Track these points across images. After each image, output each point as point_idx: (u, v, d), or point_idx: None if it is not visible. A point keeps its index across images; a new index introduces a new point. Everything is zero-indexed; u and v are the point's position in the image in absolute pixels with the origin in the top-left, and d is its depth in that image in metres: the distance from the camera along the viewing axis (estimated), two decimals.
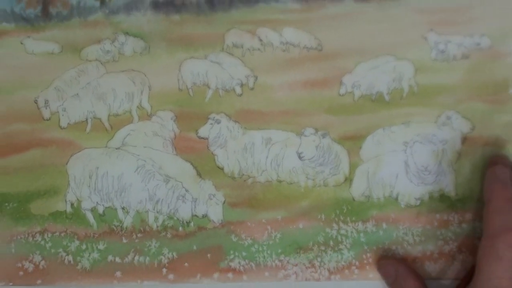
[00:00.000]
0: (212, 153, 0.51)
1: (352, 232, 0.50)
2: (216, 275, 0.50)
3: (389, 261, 0.48)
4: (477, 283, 0.41)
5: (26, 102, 0.51)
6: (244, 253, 0.50)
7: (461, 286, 0.46)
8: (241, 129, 0.51)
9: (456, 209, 0.49)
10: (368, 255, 0.49)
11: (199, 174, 0.51)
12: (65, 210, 0.51)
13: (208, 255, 0.50)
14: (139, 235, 0.51)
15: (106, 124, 0.52)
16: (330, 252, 0.50)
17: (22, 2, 0.52)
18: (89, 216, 0.51)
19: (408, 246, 0.49)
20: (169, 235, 0.50)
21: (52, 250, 0.51)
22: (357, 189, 0.50)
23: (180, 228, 0.50)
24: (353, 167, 0.50)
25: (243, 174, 0.51)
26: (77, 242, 0.51)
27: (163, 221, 0.51)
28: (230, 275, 0.50)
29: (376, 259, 0.49)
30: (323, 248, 0.50)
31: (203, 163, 0.51)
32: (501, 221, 0.42)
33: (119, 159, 0.50)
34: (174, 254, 0.50)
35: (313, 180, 0.51)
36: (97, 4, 0.51)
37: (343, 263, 0.50)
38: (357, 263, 0.49)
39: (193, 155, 0.51)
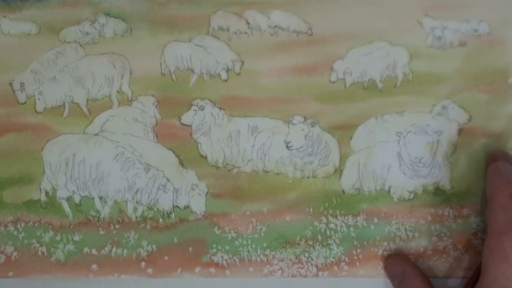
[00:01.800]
0: (195, 141, 0.51)
1: (341, 226, 0.49)
2: (197, 269, 0.49)
3: (396, 261, 0.48)
4: (484, 283, 0.41)
5: (1, 85, 0.51)
6: (227, 247, 0.50)
7: (469, 285, 0.45)
8: (226, 116, 0.51)
9: (451, 204, 0.49)
10: (358, 251, 0.49)
11: (181, 163, 0.50)
12: (40, 199, 0.50)
13: (190, 248, 0.50)
14: (117, 226, 0.50)
15: (84, 109, 0.51)
16: (318, 247, 0.49)
17: None
18: (65, 205, 0.50)
19: (401, 242, 0.49)
20: (148, 227, 0.50)
21: (25, 241, 0.50)
22: (347, 181, 0.50)
23: (161, 220, 0.50)
24: (343, 157, 0.50)
25: (227, 164, 0.50)
26: (51, 233, 0.50)
27: (143, 212, 0.50)
28: (212, 270, 0.49)
29: (366, 255, 0.49)
30: (311, 242, 0.49)
31: (186, 151, 0.50)
32: (506, 219, 0.41)
33: (98, 146, 0.50)
34: (154, 246, 0.50)
35: (301, 171, 0.50)
36: None
37: (331, 259, 0.49)
38: (346, 259, 0.49)
39: (176, 143, 0.50)
